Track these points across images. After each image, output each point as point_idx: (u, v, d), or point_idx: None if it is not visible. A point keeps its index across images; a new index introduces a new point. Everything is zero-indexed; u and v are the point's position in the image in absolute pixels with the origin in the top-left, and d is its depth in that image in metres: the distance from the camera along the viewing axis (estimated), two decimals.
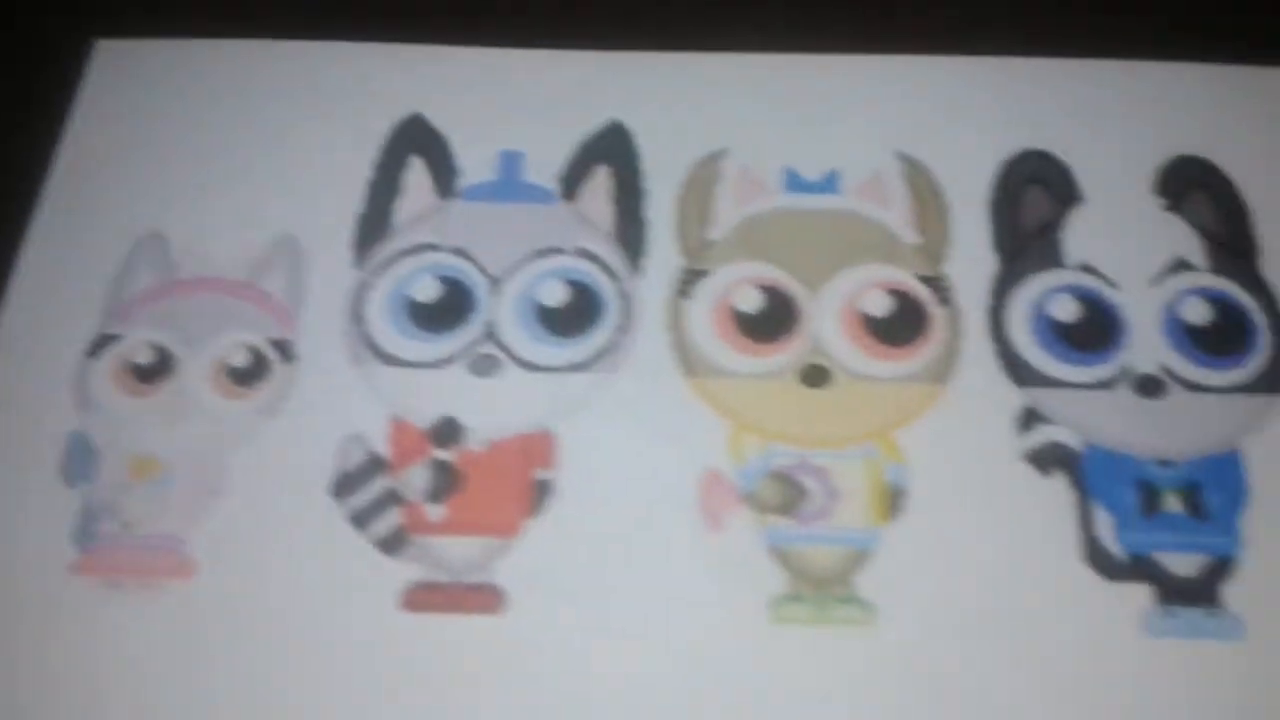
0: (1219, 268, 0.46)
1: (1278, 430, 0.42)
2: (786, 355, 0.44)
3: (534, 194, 0.48)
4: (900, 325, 0.45)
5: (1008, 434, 0.43)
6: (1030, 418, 0.43)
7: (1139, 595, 0.40)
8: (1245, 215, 0.47)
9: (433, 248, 0.47)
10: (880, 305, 0.45)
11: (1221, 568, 0.40)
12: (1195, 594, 0.40)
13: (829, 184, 0.48)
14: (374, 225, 0.47)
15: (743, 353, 0.44)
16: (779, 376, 0.44)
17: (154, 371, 0.44)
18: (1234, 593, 0.40)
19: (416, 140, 0.49)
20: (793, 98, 0.50)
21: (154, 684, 0.39)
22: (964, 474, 0.42)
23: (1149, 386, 0.43)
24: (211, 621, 0.40)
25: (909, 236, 0.47)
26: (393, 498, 0.42)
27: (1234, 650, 0.39)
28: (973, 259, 0.46)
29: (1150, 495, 0.41)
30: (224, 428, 0.43)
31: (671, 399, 0.43)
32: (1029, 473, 0.42)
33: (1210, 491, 0.41)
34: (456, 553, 0.41)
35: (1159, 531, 0.41)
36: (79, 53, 0.51)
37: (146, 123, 0.50)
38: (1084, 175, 0.48)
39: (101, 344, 0.45)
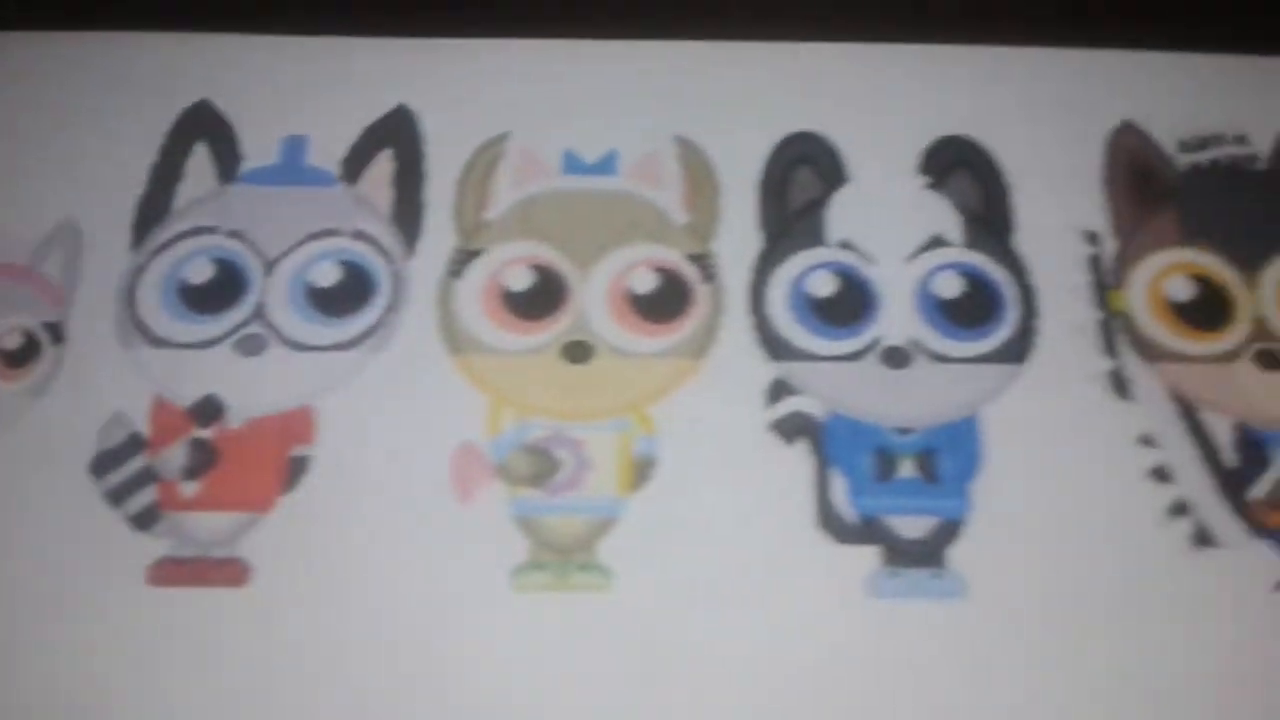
0: (974, 243, 0.47)
1: (1014, 398, 0.44)
2: (552, 332, 0.45)
3: (315, 177, 0.48)
4: (664, 302, 0.46)
5: (757, 405, 0.44)
6: (779, 389, 0.44)
7: (867, 557, 0.41)
8: (1004, 193, 0.48)
9: (210, 230, 0.47)
10: (646, 283, 0.46)
11: (949, 530, 0.42)
12: (921, 555, 0.41)
13: (606, 165, 0.49)
14: (153, 209, 0.48)
15: (509, 330, 0.45)
16: (542, 353, 0.45)
17: None
18: (959, 554, 0.41)
19: (202, 126, 0.49)
20: (575, 83, 0.50)
21: None
22: (711, 444, 0.43)
23: (895, 358, 0.45)
24: None
25: (680, 216, 0.48)
26: (148, 475, 0.42)
27: (957, 609, 0.40)
28: (740, 238, 0.47)
29: (886, 461, 0.43)
30: None
31: (434, 376, 0.44)
32: (773, 442, 0.43)
33: (944, 457, 0.43)
34: (206, 528, 0.41)
35: (891, 496, 0.42)
36: None
37: None
38: (852, 156, 0.49)
39: None
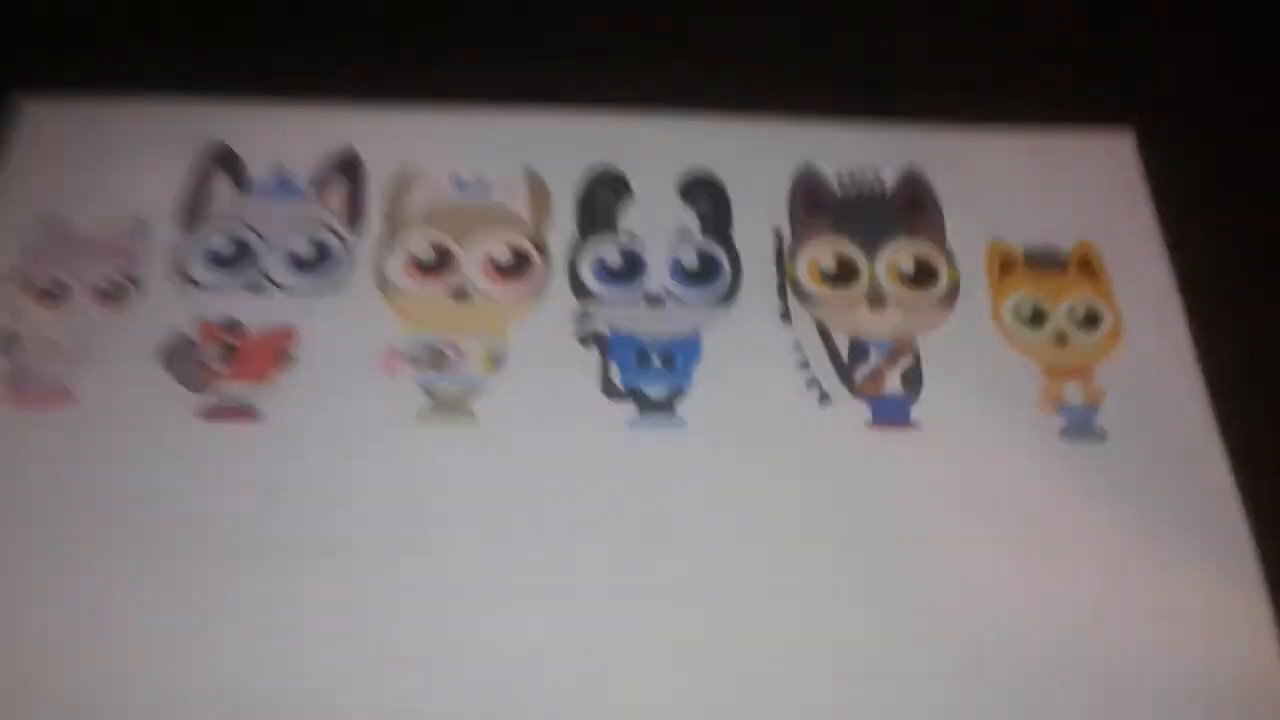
0: (709, 234, 0.76)
1: (726, 321, 0.73)
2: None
3: None
4: (515, 268, 0.74)
5: (569, 327, 0.72)
6: (583, 318, 0.73)
7: (629, 409, 0.70)
8: (729, 206, 0.77)
9: None
10: (505, 256, 0.74)
11: (677, 394, 0.70)
12: (660, 407, 0.70)
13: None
14: None
15: None
16: None
17: None
18: (683, 407, 0.70)
19: None
20: None
21: None
22: (545, 351, 0.71)
23: (654, 300, 0.73)
24: None
25: (526, 216, 0.76)
26: None
27: (683, 436, 0.69)
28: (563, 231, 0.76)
29: (643, 356, 0.71)
30: None
31: None
32: (579, 348, 0.71)
33: (677, 354, 0.72)
34: None
35: (644, 377, 0.71)
36: None
37: None
38: (637, 181, 0.78)
39: None
